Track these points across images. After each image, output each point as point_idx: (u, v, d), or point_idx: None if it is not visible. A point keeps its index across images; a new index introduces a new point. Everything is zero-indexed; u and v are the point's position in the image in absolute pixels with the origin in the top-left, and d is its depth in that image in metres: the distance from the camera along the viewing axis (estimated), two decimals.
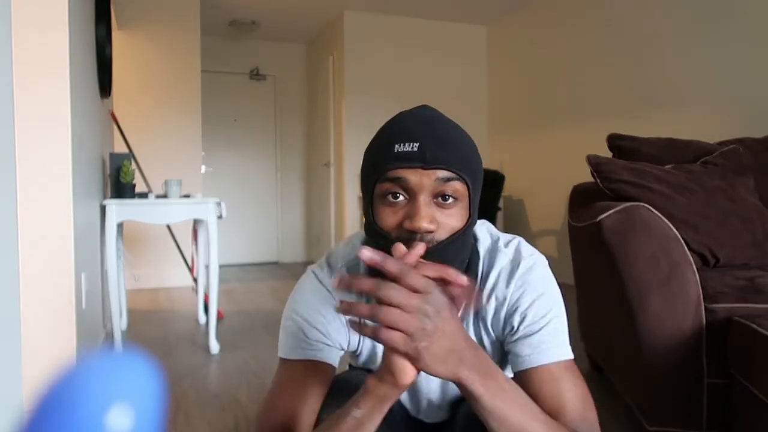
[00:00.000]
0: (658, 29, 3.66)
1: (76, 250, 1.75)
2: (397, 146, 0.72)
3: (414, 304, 0.59)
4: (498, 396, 0.65)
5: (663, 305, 1.45)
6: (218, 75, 5.81)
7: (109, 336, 2.77)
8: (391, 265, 0.60)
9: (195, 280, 3.57)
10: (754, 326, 1.30)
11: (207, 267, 2.90)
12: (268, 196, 6.16)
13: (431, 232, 0.71)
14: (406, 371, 0.63)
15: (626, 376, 1.71)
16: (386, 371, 0.64)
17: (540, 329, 0.77)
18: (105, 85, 2.84)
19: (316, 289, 0.86)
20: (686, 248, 1.50)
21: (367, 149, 0.78)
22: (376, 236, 0.75)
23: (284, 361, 0.84)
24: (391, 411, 0.89)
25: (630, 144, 2.18)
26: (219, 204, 2.73)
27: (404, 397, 0.94)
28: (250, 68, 5.99)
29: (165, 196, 2.72)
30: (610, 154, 2.21)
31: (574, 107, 4.40)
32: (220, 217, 2.73)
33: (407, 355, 0.62)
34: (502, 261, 0.82)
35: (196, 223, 3.34)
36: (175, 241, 3.85)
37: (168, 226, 3.84)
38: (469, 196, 0.74)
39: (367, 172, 0.76)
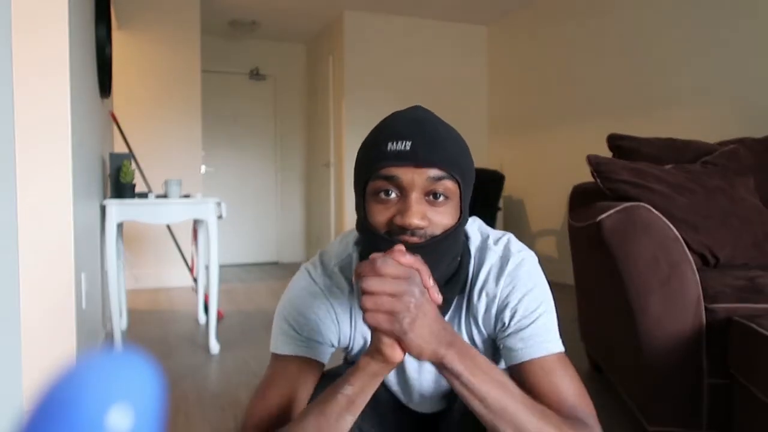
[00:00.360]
0: (657, 29, 3.66)
1: (76, 250, 1.75)
2: (389, 144, 0.73)
3: (399, 289, 0.63)
4: (477, 375, 0.68)
5: (663, 305, 1.45)
6: (218, 75, 5.81)
7: (109, 336, 2.77)
8: (366, 270, 0.64)
9: (195, 280, 3.57)
10: (754, 326, 1.30)
11: (207, 267, 2.90)
12: (268, 196, 6.16)
13: (422, 228, 0.72)
14: (396, 350, 0.66)
15: (626, 376, 1.71)
16: (376, 351, 0.67)
17: (531, 323, 0.79)
18: (105, 85, 2.84)
19: (309, 286, 0.87)
20: (686, 248, 1.50)
21: (360, 148, 0.79)
22: (367, 233, 0.76)
23: (276, 357, 0.86)
24: (380, 402, 0.91)
25: (630, 144, 2.18)
26: (219, 204, 2.73)
27: (396, 390, 0.96)
28: (250, 68, 5.99)
29: (165, 196, 2.72)
30: (610, 154, 2.21)
31: (574, 107, 4.40)
32: (220, 217, 2.73)
33: (393, 335, 0.65)
34: (492, 258, 0.83)
35: (196, 223, 3.34)
36: (175, 241, 3.85)
37: (168, 226, 3.84)
38: (460, 195, 0.76)
39: (360, 170, 0.77)
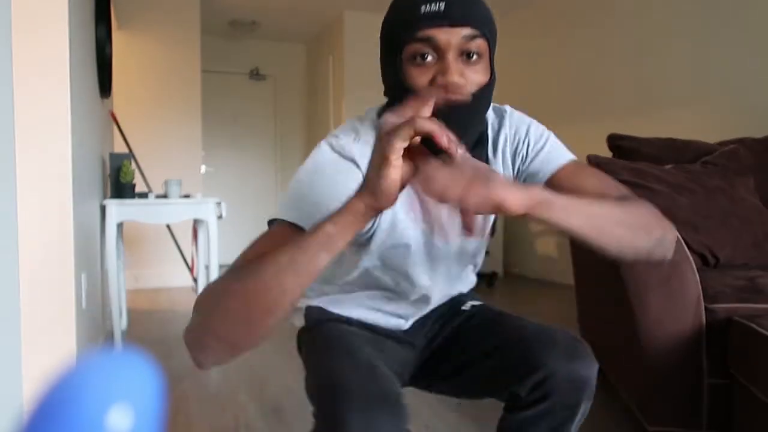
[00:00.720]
0: (658, 29, 3.66)
1: (76, 250, 1.75)
2: (423, 6, 0.75)
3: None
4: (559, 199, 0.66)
5: (663, 305, 1.45)
6: (218, 75, 5.81)
7: (109, 336, 2.77)
8: (413, 102, 0.63)
9: (195, 280, 3.57)
10: (754, 326, 1.30)
11: (207, 267, 2.90)
12: (268, 196, 6.16)
13: (461, 86, 0.75)
14: (391, 191, 0.62)
15: (626, 376, 1.71)
16: (368, 190, 0.63)
17: (545, 144, 0.91)
18: (105, 85, 2.83)
19: (332, 158, 0.83)
20: (686, 248, 1.50)
21: (386, 17, 0.80)
22: (407, 95, 0.72)
23: (279, 224, 0.77)
24: (388, 342, 0.99)
25: (630, 144, 2.18)
26: (219, 204, 2.73)
27: (422, 274, 0.96)
28: (250, 68, 5.99)
29: (165, 196, 2.72)
30: (610, 154, 2.22)
31: (575, 107, 4.40)
32: (220, 217, 2.73)
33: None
34: (491, 117, 0.94)
35: (196, 223, 3.34)
36: (175, 241, 3.85)
37: (168, 226, 3.84)
38: (490, 54, 0.79)
39: (392, 35, 0.78)
